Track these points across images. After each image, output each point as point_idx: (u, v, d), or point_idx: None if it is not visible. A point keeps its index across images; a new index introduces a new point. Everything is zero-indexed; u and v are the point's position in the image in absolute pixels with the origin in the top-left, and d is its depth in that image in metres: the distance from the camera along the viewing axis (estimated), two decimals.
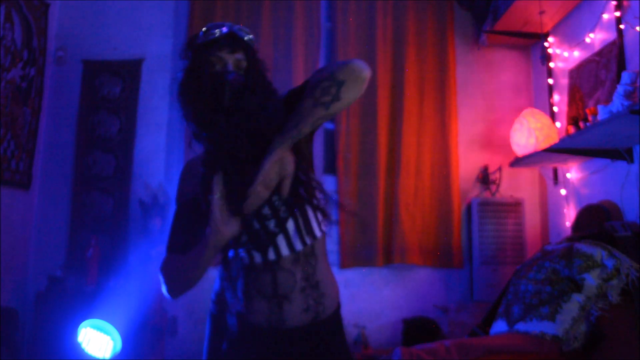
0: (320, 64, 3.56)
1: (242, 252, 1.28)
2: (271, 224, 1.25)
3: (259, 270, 1.27)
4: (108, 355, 2.51)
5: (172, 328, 3.29)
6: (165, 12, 3.67)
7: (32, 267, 3.38)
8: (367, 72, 1.18)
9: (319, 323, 1.30)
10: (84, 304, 2.74)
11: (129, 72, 3.59)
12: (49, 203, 3.47)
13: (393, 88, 3.51)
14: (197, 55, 1.29)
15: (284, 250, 1.26)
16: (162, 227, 3.25)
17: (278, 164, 1.14)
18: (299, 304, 1.27)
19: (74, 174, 3.50)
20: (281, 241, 1.26)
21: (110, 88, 3.58)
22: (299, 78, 3.40)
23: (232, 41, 1.28)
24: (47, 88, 3.53)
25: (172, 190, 3.39)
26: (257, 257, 1.27)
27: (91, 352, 2.52)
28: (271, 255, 1.26)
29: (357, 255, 3.31)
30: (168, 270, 1.28)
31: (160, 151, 3.52)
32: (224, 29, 1.28)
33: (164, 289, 1.28)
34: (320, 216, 1.29)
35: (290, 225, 1.26)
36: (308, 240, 1.28)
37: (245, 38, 1.30)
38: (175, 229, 1.33)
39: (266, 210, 1.25)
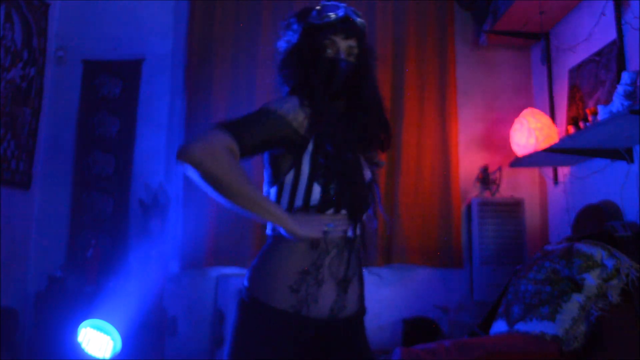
0: None
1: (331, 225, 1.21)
2: (369, 197, 1.30)
3: (341, 247, 1.24)
4: (108, 355, 2.51)
5: (172, 328, 3.29)
6: (165, 12, 3.67)
7: (32, 267, 3.38)
8: None
9: (359, 313, 1.31)
10: (84, 304, 2.74)
11: (129, 72, 3.59)
12: (49, 203, 3.47)
13: (393, 88, 3.51)
14: (308, 35, 1.27)
15: (359, 229, 1.28)
16: (162, 227, 3.25)
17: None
18: (356, 290, 1.28)
19: (74, 174, 3.50)
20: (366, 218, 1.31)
21: (110, 88, 3.58)
22: None
23: (347, 26, 1.26)
24: (47, 88, 3.54)
25: (172, 190, 3.41)
26: (343, 230, 1.24)
27: (91, 352, 2.52)
28: (354, 230, 1.26)
29: None
30: (218, 158, 1.10)
31: (160, 151, 3.52)
32: (340, 12, 1.26)
33: (194, 155, 1.09)
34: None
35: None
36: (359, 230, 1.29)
37: (358, 23, 1.29)
38: (252, 125, 1.16)
39: (373, 186, 1.31)
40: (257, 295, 1.21)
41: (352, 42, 1.27)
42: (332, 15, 1.25)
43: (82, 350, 2.53)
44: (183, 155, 1.09)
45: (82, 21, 3.65)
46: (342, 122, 1.26)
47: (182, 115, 3.51)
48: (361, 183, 1.26)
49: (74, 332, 2.54)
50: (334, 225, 1.21)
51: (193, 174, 1.11)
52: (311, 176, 1.21)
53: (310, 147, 1.21)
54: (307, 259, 1.21)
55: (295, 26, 1.30)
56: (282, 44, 1.34)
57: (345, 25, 1.26)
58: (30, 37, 3.35)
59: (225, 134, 1.12)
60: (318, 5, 1.28)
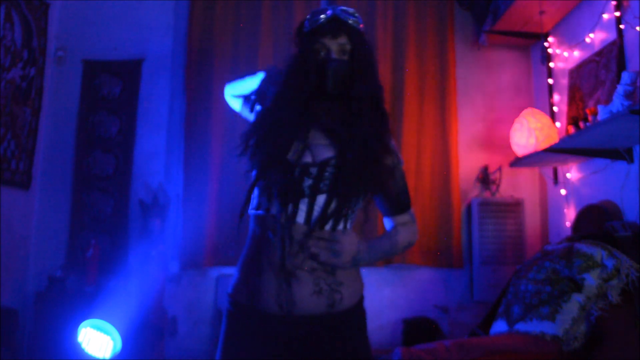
0: None
1: (263, 199, 1.26)
2: (306, 183, 1.24)
3: (275, 231, 1.24)
4: (108, 355, 2.51)
5: (172, 328, 3.29)
6: (165, 12, 3.67)
7: (32, 267, 3.38)
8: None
9: (337, 315, 1.24)
10: (84, 304, 2.74)
11: (129, 72, 3.59)
12: (49, 203, 3.47)
13: (393, 88, 3.51)
14: (303, 42, 1.31)
15: (300, 217, 1.23)
16: (162, 227, 3.25)
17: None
18: (309, 284, 1.22)
19: (74, 174, 3.50)
20: (303, 206, 1.24)
21: (110, 88, 3.58)
22: None
23: (335, 26, 1.28)
24: (47, 88, 3.54)
25: (172, 190, 3.41)
26: (275, 210, 1.23)
27: (91, 352, 2.52)
28: (285, 213, 1.23)
29: None
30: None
31: (160, 151, 3.52)
32: (328, 13, 1.28)
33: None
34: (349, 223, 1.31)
35: (321, 200, 1.24)
36: (328, 226, 1.24)
37: (349, 21, 1.29)
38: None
39: (313, 170, 1.24)
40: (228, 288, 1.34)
41: (342, 40, 1.28)
42: (321, 17, 1.28)
43: (82, 350, 2.53)
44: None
45: (82, 21, 3.65)
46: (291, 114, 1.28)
47: (182, 115, 3.50)
48: (283, 167, 1.24)
49: (74, 332, 2.54)
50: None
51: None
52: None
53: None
54: (252, 246, 1.30)
55: (295, 42, 1.35)
56: (285, 65, 1.36)
57: (333, 25, 1.27)
58: (30, 37, 3.35)
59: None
60: (309, 15, 1.32)
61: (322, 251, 1.22)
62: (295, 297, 1.21)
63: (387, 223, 1.41)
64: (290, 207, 1.23)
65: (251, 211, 1.32)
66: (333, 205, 1.24)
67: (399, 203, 1.37)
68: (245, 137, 1.30)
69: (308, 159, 1.26)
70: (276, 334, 1.24)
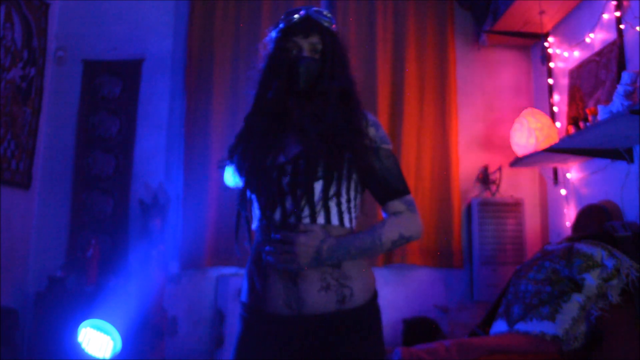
0: None
1: (257, 209, 1.28)
2: (284, 181, 1.24)
3: (267, 234, 1.24)
4: (108, 355, 2.51)
5: (172, 328, 3.29)
6: (165, 12, 3.67)
7: (32, 267, 3.38)
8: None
9: (348, 312, 1.21)
10: (84, 304, 2.74)
11: (129, 72, 3.59)
12: (49, 203, 3.47)
13: (393, 88, 3.51)
14: (276, 41, 1.33)
15: (292, 217, 1.23)
16: (162, 227, 3.25)
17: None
18: (315, 281, 1.20)
19: (74, 174, 3.50)
20: (288, 204, 1.23)
21: (110, 88, 3.58)
22: None
23: (307, 25, 1.30)
24: (47, 88, 3.54)
25: (172, 190, 3.41)
26: (277, 217, 1.24)
27: (91, 352, 2.52)
28: (277, 216, 1.23)
29: None
30: None
31: (160, 151, 3.52)
32: (301, 13, 1.31)
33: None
34: (350, 214, 1.29)
35: (312, 194, 1.23)
36: (321, 220, 1.23)
37: (322, 21, 1.32)
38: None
39: (288, 167, 1.25)
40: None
41: (314, 40, 1.30)
42: (295, 17, 1.31)
43: (82, 350, 2.53)
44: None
45: (82, 21, 3.65)
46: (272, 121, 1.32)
47: (182, 115, 3.51)
48: (261, 173, 1.26)
49: (74, 332, 2.54)
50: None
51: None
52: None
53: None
54: (255, 252, 1.31)
55: (270, 38, 1.37)
56: (259, 65, 1.38)
57: (306, 24, 1.30)
58: (30, 37, 3.35)
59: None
60: (283, 15, 1.34)
61: (274, 255, 1.20)
62: (302, 294, 1.20)
63: (383, 215, 1.36)
64: (278, 209, 1.23)
65: (254, 224, 1.34)
66: (309, 196, 1.22)
67: (388, 186, 1.30)
68: (230, 149, 1.36)
69: (282, 158, 1.28)
70: (288, 336, 1.22)
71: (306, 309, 1.20)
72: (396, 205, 1.30)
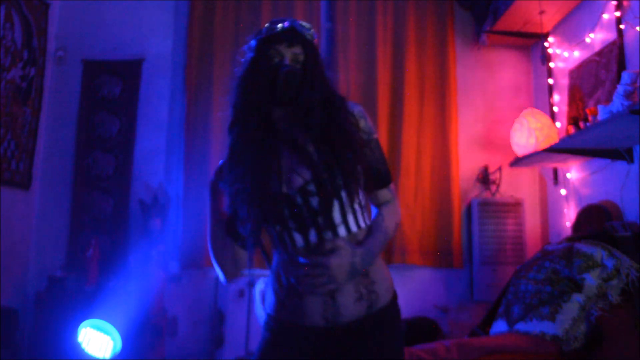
0: None
1: (285, 237, 1.26)
2: (314, 202, 1.24)
3: (297, 256, 1.24)
4: (108, 355, 2.52)
5: (172, 328, 3.29)
6: (165, 12, 3.67)
7: (32, 267, 3.38)
8: None
9: (374, 314, 1.27)
10: (84, 304, 2.74)
11: (129, 72, 3.59)
12: (49, 203, 3.47)
13: (393, 88, 3.51)
14: (257, 49, 1.34)
15: (327, 233, 1.24)
16: (162, 227, 3.25)
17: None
18: (351, 293, 1.24)
19: (74, 174, 3.50)
20: (323, 222, 1.24)
21: (110, 88, 3.58)
22: None
23: (291, 35, 1.31)
24: (47, 88, 3.54)
25: (172, 190, 3.41)
26: (299, 241, 1.24)
27: (91, 352, 2.52)
28: (312, 237, 1.24)
29: None
30: None
31: (160, 151, 3.52)
32: (286, 24, 1.31)
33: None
34: (363, 212, 1.30)
35: (336, 207, 1.24)
36: (353, 228, 1.27)
37: (305, 33, 1.33)
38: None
39: (311, 187, 1.24)
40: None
41: (297, 50, 1.30)
42: (279, 26, 1.31)
43: (82, 350, 2.53)
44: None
45: (82, 21, 3.65)
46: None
47: (182, 115, 3.51)
48: (263, 193, 1.24)
49: (74, 332, 2.54)
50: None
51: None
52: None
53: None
54: (284, 272, 1.29)
55: (250, 45, 1.38)
56: (237, 70, 1.39)
57: (289, 34, 1.31)
58: (30, 37, 3.36)
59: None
60: (267, 23, 1.35)
61: (310, 280, 1.20)
62: (340, 308, 1.24)
63: (372, 205, 1.40)
64: (312, 233, 1.24)
65: (277, 255, 1.33)
66: (346, 203, 1.25)
67: (379, 174, 1.34)
68: (221, 172, 1.35)
69: (299, 181, 1.25)
70: (322, 344, 1.26)
71: (341, 319, 1.24)
72: (385, 193, 1.38)
